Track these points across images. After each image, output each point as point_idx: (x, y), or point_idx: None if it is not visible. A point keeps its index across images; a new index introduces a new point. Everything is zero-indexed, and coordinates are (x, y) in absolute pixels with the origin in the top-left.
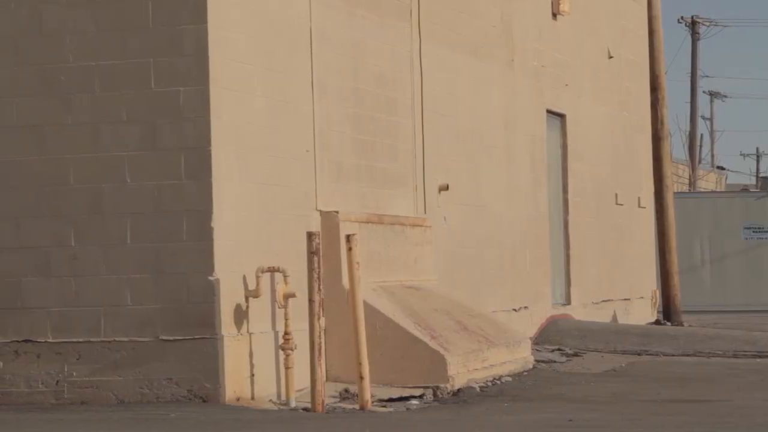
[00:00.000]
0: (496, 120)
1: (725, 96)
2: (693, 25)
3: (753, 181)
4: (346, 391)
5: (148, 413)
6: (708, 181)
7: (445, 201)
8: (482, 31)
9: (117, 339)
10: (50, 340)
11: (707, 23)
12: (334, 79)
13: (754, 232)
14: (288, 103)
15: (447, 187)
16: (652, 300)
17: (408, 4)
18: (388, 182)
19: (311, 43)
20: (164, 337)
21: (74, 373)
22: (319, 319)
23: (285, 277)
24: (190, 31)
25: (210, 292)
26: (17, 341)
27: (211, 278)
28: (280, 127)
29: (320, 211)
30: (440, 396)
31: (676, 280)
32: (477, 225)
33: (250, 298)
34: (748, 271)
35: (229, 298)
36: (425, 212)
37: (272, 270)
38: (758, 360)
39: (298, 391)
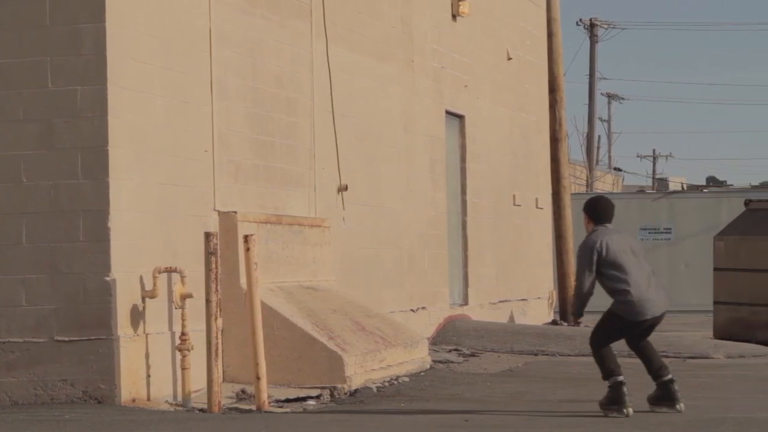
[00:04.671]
0: (395, 121)
1: (623, 98)
2: (591, 27)
3: (649, 182)
4: (243, 391)
5: (42, 415)
6: (605, 183)
7: (345, 202)
8: (382, 32)
9: (11, 340)
10: None
11: (605, 26)
12: (233, 79)
13: (650, 233)
14: (187, 102)
15: (346, 188)
16: (549, 300)
17: (308, 4)
18: (288, 182)
19: (210, 43)
20: (59, 338)
21: None
22: (216, 319)
23: (182, 277)
24: (88, 30)
25: (106, 293)
26: None
27: (107, 278)
28: (180, 127)
29: (218, 211)
30: (337, 396)
31: (572, 280)
32: (376, 226)
33: (147, 299)
34: None
35: (125, 298)
36: (324, 213)
37: (169, 270)
38: None
39: (195, 392)
